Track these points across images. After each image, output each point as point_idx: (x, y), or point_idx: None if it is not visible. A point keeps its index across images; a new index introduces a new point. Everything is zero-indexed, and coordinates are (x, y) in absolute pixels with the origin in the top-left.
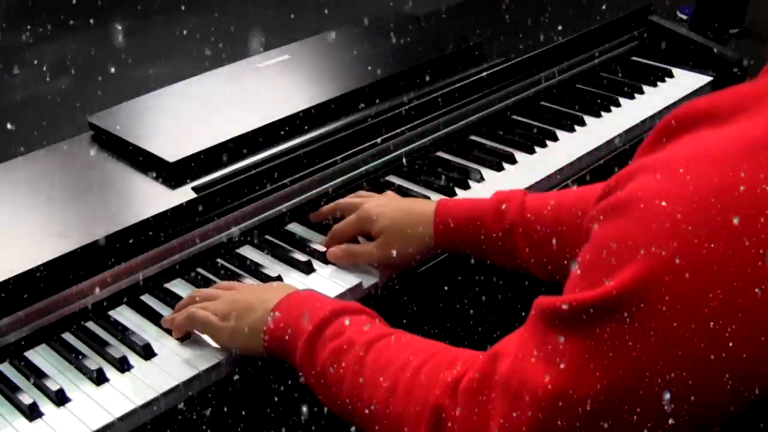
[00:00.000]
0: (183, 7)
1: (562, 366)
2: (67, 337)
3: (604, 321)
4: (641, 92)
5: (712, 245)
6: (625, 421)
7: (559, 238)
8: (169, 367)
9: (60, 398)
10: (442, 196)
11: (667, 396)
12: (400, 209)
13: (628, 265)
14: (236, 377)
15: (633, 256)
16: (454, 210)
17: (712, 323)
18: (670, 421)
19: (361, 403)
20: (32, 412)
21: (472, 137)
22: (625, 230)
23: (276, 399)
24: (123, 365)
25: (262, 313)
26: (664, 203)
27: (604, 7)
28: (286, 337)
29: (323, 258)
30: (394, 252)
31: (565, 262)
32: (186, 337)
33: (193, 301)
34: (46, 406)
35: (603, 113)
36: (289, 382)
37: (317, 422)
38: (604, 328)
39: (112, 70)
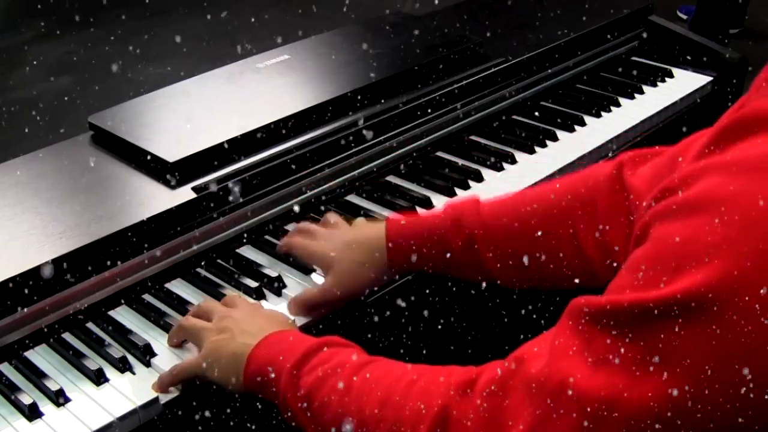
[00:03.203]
0: (183, 7)
1: (616, 369)
2: (67, 337)
3: (668, 322)
4: (641, 92)
5: None
6: (680, 430)
7: (525, 241)
8: (169, 366)
9: (60, 398)
10: (442, 196)
11: (732, 405)
12: (345, 239)
13: (700, 265)
14: None
15: (706, 256)
16: (407, 229)
17: None
18: None
19: (350, 420)
20: (32, 412)
21: (472, 137)
22: (696, 230)
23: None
24: (123, 365)
25: (242, 347)
26: (738, 205)
27: (604, 7)
28: (269, 370)
29: None
30: (346, 284)
31: (537, 267)
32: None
33: (183, 328)
34: (46, 406)
35: (603, 113)
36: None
37: None
38: (669, 330)
39: (112, 70)
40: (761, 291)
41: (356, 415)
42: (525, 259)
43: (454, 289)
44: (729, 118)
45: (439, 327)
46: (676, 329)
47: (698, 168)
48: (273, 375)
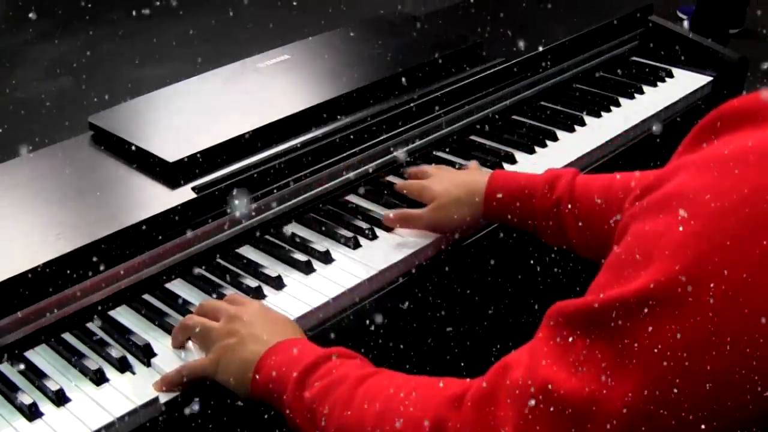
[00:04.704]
0: (183, 7)
1: (593, 371)
2: (67, 337)
3: (637, 318)
4: (641, 92)
5: (754, 242)
6: (661, 425)
7: (605, 218)
8: (169, 366)
9: (60, 398)
10: None
11: (707, 397)
12: (453, 180)
13: (665, 259)
14: None
15: (672, 250)
16: (506, 182)
17: (752, 319)
18: (713, 423)
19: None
20: (32, 412)
21: (472, 137)
22: (663, 226)
23: None
24: (123, 365)
25: (251, 355)
26: (706, 200)
27: (604, 7)
28: (276, 381)
29: (323, 258)
30: (443, 217)
31: (605, 240)
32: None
33: (191, 326)
34: (46, 406)
35: (603, 113)
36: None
37: None
38: (639, 325)
39: (112, 70)
40: (726, 282)
41: (357, 426)
42: (604, 238)
43: (456, 293)
44: (703, 119)
45: (442, 333)
46: (645, 324)
47: (672, 167)
48: (279, 385)
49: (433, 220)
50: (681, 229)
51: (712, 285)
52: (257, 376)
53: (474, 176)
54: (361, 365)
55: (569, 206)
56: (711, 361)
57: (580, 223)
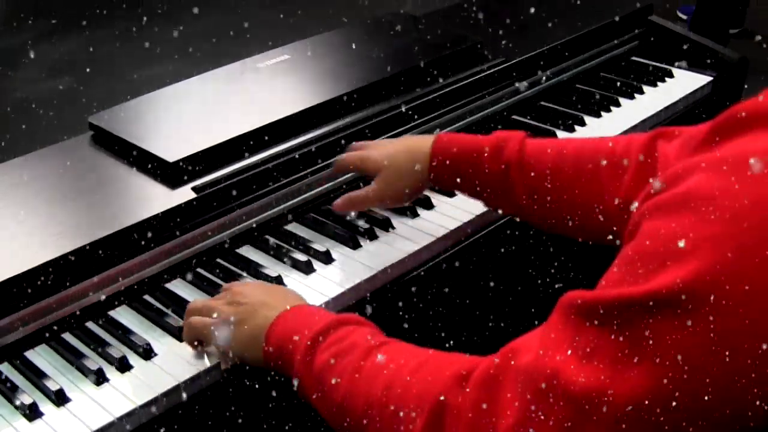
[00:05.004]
0: (183, 8)
1: (601, 364)
2: (67, 337)
3: (654, 317)
4: (641, 92)
5: (758, 251)
6: (664, 424)
7: (556, 184)
8: (169, 367)
9: (60, 398)
10: (443, 197)
11: (715, 400)
12: (395, 145)
13: (684, 261)
14: (234, 378)
15: (690, 252)
16: (451, 144)
17: (755, 330)
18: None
19: (357, 403)
20: (32, 412)
21: None
22: (679, 227)
23: (273, 399)
24: (123, 365)
25: (263, 320)
26: (722, 202)
27: (604, 7)
28: (287, 345)
29: (323, 258)
30: (390, 190)
31: (561, 211)
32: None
33: (198, 308)
34: (46, 406)
35: (603, 113)
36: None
37: (314, 423)
38: (654, 324)
39: (112, 70)
40: (743, 286)
41: (363, 397)
42: (554, 206)
43: (457, 293)
44: (720, 116)
45: (443, 334)
46: (661, 324)
47: (688, 165)
48: (289, 350)
49: (380, 195)
50: (699, 230)
51: (730, 288)
52: (268, 341)
53: (416, 143)
54: (372, 333)
55: (518, 170)
56: (723, 365)
57: (529, 189)
